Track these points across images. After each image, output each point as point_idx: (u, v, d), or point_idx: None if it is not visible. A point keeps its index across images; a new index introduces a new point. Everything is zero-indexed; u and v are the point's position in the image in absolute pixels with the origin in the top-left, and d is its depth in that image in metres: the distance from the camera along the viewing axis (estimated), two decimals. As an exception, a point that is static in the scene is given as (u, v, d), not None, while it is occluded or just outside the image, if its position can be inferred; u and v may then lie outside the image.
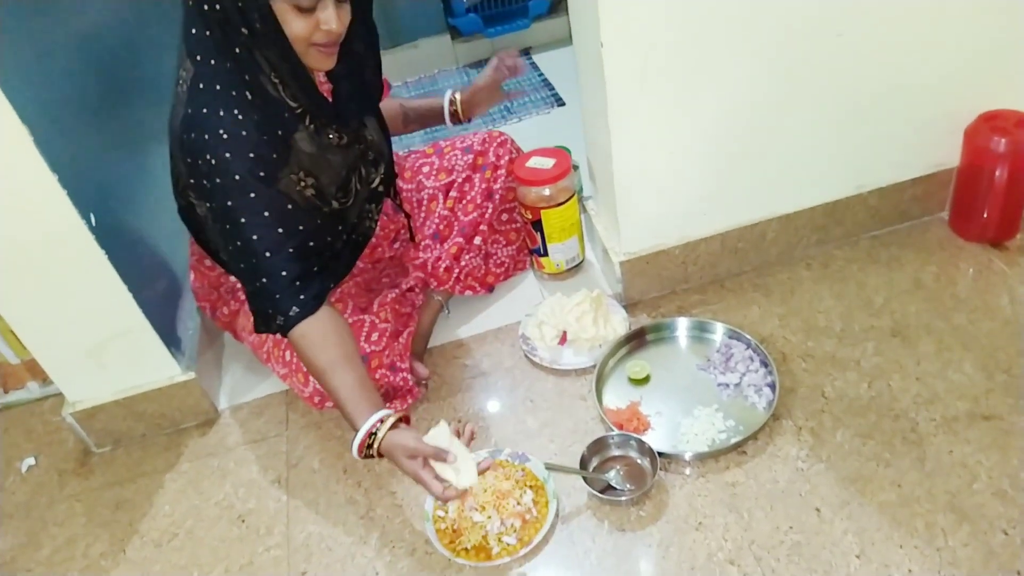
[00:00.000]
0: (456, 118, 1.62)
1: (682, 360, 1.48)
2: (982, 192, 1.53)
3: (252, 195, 1.19)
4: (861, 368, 1.40)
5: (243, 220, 1.19)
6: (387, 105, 1.53)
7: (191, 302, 1.63)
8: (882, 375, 1.38)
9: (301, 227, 1.26)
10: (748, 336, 1.44)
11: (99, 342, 1.43)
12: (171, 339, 1.51)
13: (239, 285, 1.44)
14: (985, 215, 1.54)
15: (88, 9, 1.56)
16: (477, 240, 1.64)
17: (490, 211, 1.65)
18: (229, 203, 1.19)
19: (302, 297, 1.22)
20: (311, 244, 1.28)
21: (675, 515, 1.24)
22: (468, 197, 1.65)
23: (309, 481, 1.41)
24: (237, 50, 1.14)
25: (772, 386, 1.36)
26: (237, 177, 1.18)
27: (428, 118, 1.64)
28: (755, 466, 1.28)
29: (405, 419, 1.21)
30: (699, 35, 1.31)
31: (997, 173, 1.49)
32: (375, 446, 1.17)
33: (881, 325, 1.47)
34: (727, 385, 1.40)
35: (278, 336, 1.37)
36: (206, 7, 1.11)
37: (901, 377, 1.37)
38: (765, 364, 1.40)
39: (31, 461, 1.59)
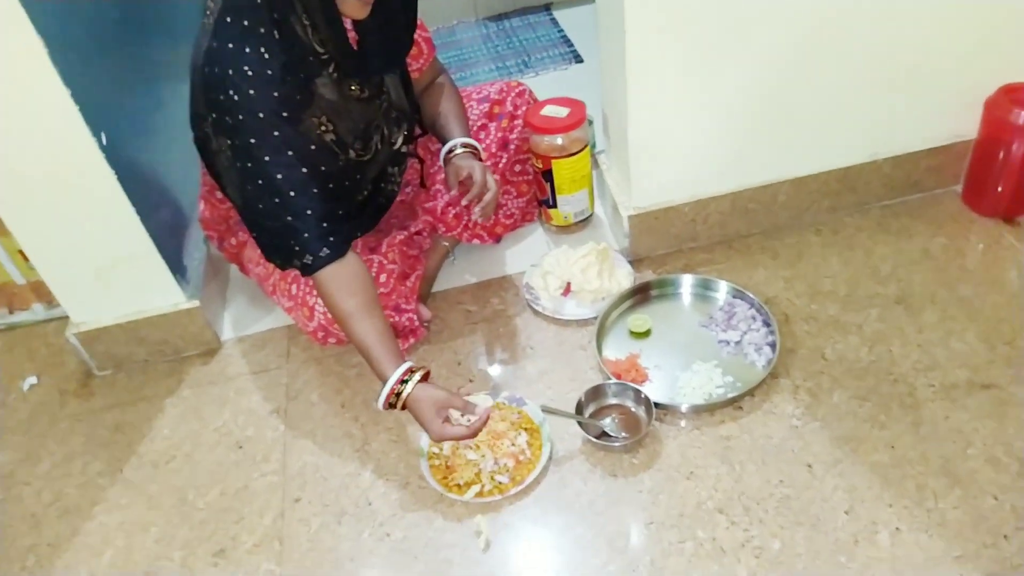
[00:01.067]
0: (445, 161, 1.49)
1: (684, 316, 1.48)
2: (998, 165, 1.51)
3: (276, 134, 1.18)
4: (863, 333, 1.40)
5: (267, 158, 1.18)
6: (432, 94, 1.52)
7: (198, 232, 1.63)
8: (883, 340, 1.38)
9: (323, 168, 1.26)
10: (752, 295, 1.44)
11: (105, 264, 1.44)
12: (177, 266, 1.52)
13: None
14: (999, 189, 1.53)
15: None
16: (488, 187, 1.63)
17: (504, 161, 1.64)
18: (252, 140, 1.18)
19: (332, 239, 1.22)
20: (331, 187, 1.29)
21: (667, 464, 1.25)
22: (483, 144, 1.63)
23: (307, 413, 1.43)
24: None
25: (772, 345, 1.36)
26: (261, 115, 1.17)
27: (437, 137, 1.54)
28: (750, 421, 1.29)
29: (426, 374, 1.22)
30: (723, -14, 1.30)
31: (1015, 146, 1.47)
32: (403, 395, 1.18)
33: (886, 292, 1.46)
34: (728, 342, 1.40)
35: (285, 270, 1.38)
36: None
37: (902, 343, 1.37)
38: (767, 324, 1.40)
39: (33, 380, 1.60)
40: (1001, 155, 1.50)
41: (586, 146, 1.59)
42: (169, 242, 1.51)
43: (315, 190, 1.21)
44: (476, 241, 1.64)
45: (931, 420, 1.25)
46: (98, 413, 1.51)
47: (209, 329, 1.56)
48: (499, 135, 1.63)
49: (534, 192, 1.70)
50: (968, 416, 1.24)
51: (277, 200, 1.20)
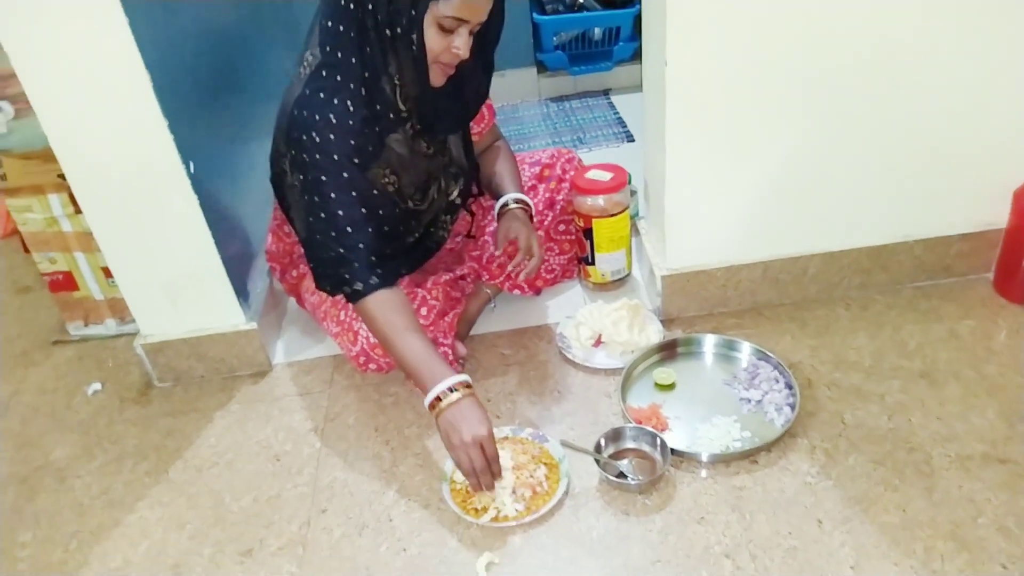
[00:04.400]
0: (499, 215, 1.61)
1: (709, 374, 1.53)
2: (1028, 254, 1.55)
3: (344, 175, 1.32)
4: (884, 402, 1.42)
5: (332, 195, 1.32)
6: (490, 155, 1.65)
7: (263, 264, 1.77)
8: (904, 411, 1.40)
9: (380, 212, 1.40)
10: (776, 358, 1.49)
11: (178, 280, 1.57)
12: (241, 291, 1.65)
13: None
14: (1029, 277, 1.57)
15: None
16: (534, 243, 1.74)
17: (550, 219, 1.76)
18: (323, 178, 1.32)
19: (379, 271, 1.33)
20: (386, 229, 1.42)
21: (679, 508, 1.28)
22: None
23: (343, 434, 1.51)
24: (367, 49, 1.28)
25: (793, 407, 1.40)
26: (335, 157, 1.31)
27: (492, 194, 1.67)
28: (764, 475, 1.32)
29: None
30: (759, 68, 1.41)
31: (1043, 236, 1.52)
32: (452, 398, 1.24)
33: (911, 366, 1.49)
34: (749, 400, 1.44)
35: (337, 299, 1.49)
36: (352, 6, 1.25)
37: (923, 415, 1.39)
38: (789, 386, 1.44)
39: (97, 387, 1.74)
40: (1030, 244, 1.54)
41: (625, 209, 1.69)
42: (237, 268, 1.65)
43: (370, 229, 1.34)
44: (517, 292, 1.74)
45: (944, 488, 1.26)
46: (153, 419, 1.62)
47: (263, 352, 1.67)
48: (547, 195, 1.75)
49: (575, 251, 1.80)
50: (982, 487, 1.25)
51: (334, 234, 1.32)
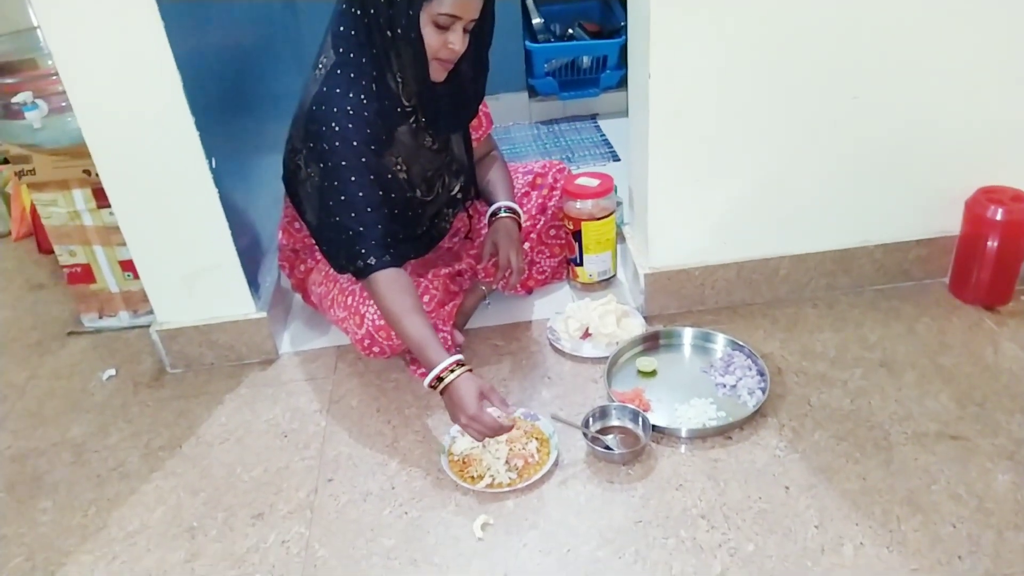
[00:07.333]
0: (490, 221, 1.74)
1: (688, 362, 1.66)
2: (978, 258, 1.70)
3: (363, 159, 1.46)
4: (847, 387, 1.55)
5: (352, 178, 1.44)
6: (485, 164, 1.80)
7: (272, 260, 1.89)
8: (864, 394, 1.53)
9: (393, 195, 1.53)
10: (749, 348, 1.61)
11: (195, 270, 1.69)
12: (253, 281, 1.76)
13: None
14: (980, 279, 1.71)
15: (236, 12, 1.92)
16: (526, 246, 1.87)
17: (541, 223, 1.89)
18: (343, 163, 1.44)
19: (392, 251, 1.45)
20: (396, 213, 1.55)
21: (659, 477, 1.40)
22: (524, 208, 1.89)
23: (347, 414, 1.62)
24: (374, 50, 1.43)
25: (764, 390, 1.52)
26: (354, 143, 1.44)
27: (486, 200, 1.81)
28: (738, 449, 1.44)
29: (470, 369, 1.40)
30: (732, 84, 1.56)
31: (991, 241, 1.66)
32: (448, 379, 1.35)
33: (872, 357, 1.63)
34: (724, 385, 1.56)
35: (344, 286, 1.61)
36: (359, 12, 1.41)
37: (882, 398, 1.52)
38: (761, 373, 1.57)
39: (112, 372, 1.83)
40: (981, 248, 1.69)
41: (611, 213, 1.83)
42: (249, 260, 1.76)
43: (385, 211, 1.47)
44: (510, 292, 1.86)
45: (901, 460, 1.38)
46: (166, 401, 1.72)
47: (271, 340, 1.78)
48: (539, 201, 1.89)
49: (565, 254, 1.93)
50: (936, 459, 1.38)
51: (353, 214, 1.44)
